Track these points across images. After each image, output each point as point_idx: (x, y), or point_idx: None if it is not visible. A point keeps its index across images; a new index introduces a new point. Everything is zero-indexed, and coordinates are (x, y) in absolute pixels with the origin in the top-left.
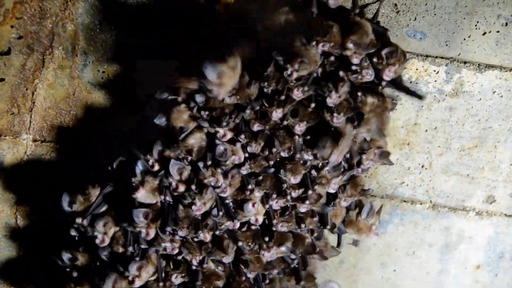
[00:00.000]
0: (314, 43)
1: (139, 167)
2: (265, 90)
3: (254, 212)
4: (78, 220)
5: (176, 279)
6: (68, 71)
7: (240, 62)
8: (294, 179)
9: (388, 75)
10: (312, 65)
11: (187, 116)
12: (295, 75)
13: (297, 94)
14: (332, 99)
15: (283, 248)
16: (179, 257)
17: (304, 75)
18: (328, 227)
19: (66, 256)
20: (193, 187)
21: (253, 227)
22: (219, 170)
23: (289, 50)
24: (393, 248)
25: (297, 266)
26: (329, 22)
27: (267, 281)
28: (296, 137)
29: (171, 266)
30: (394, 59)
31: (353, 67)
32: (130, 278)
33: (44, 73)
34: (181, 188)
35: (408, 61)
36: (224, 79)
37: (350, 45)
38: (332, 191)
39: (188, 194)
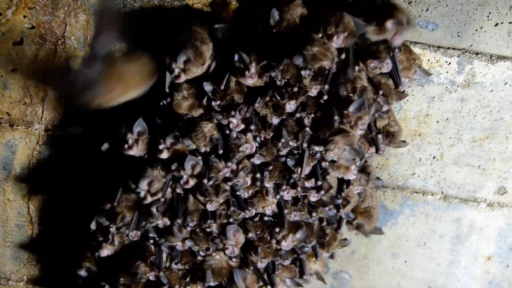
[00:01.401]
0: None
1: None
2: (278, 83)
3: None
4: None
5: (177, 265)
6: (80, 61)
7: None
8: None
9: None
10: (329, 61)
11: (189, 103)
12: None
13: (313, 92)
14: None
15: (298, 235)
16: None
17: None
18: (342, 210)
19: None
20: (205, 181)
21: (265, 218)
22: (229, 163)
23: (306, 47)
24: (404, 239)
25: (304, 258)
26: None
27: (277, 272)
28: (307, 128)
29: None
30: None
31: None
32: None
33: (56, 63)
34: (191, 182)
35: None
36: None
37: (389, 25)
38: (352, 177)
39: (202, 191)
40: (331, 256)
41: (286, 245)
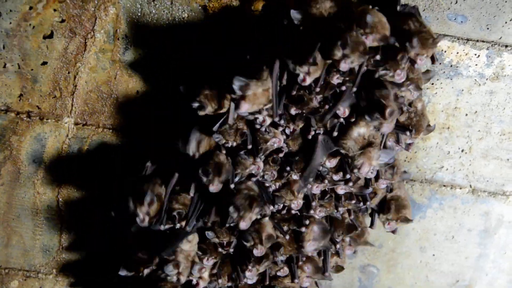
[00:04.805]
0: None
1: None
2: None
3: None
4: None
5: (208, 261)
6: (109, 54)
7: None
8: (330, 163)
9: (420, 64)
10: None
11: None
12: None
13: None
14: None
15: (323, 243)
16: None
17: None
18: (368, 203)
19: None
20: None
21: (292, 212)
22: (258, 160)
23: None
24: (432, 232)
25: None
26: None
27: (300, 262)
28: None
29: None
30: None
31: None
32: None
33: (86, 57)
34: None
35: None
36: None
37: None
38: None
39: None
40: (354, 252)
41: (310, 250)
